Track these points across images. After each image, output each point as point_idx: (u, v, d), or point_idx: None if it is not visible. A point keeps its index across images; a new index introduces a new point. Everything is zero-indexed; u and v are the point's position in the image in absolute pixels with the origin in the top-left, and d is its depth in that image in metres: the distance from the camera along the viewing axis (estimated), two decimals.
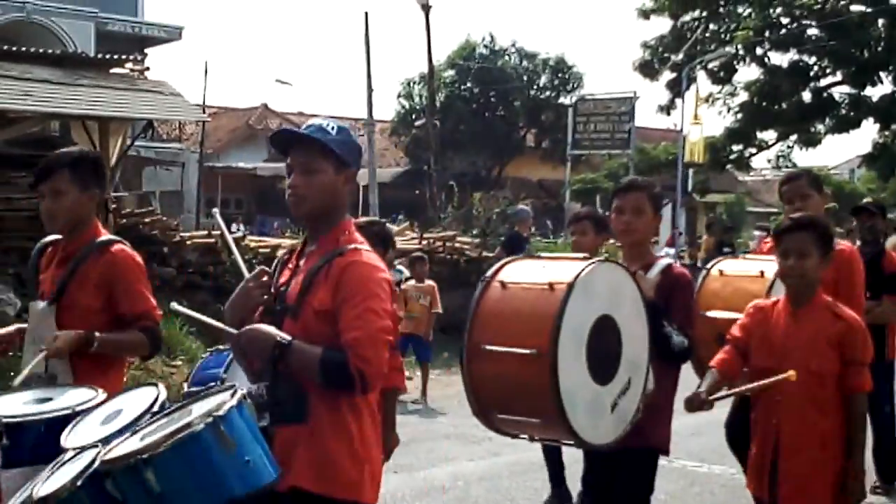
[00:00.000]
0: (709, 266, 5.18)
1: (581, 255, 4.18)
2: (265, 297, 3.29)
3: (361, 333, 3.07)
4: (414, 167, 37.30)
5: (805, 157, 68.65)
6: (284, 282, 3.34)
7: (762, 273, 4.78)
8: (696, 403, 4.00)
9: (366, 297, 3.12)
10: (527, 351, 3.70)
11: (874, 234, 6.84)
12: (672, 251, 24.57)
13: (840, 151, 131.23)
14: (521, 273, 4.05)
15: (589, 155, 33.47)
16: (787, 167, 36.31)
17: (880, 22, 28.51)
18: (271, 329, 3.12)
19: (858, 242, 6.92)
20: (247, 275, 3.33)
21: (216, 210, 3.53)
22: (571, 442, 3.89)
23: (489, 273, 4.12)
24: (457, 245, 15.22)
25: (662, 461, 7.55)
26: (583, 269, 3.83)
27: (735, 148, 31.66)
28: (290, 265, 3.41)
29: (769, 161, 34.50)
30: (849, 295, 4.80)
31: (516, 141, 40.97)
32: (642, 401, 4.05)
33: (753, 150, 32.45)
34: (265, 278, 3.31)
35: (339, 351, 3.07)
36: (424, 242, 14.89)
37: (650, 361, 4.08)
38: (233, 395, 2.83)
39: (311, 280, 3.20)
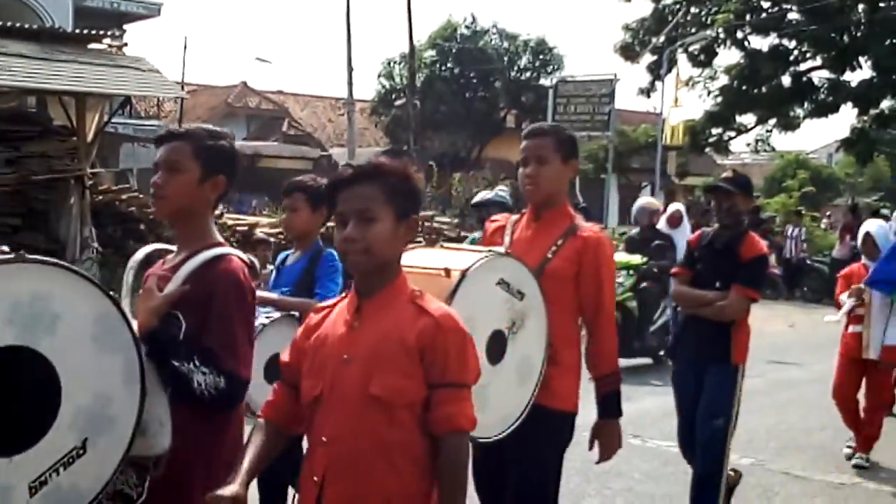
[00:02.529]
0: None
1: (7, 255, 2.58)
2: None
3: None
4: (394, 147, 37.19)
5: (784, 141, 68.94)
6: None
7: (447, 271, 3.32)
8: None
9: None
10: None
11: (734, 217, 5.59)
12: None
13: (818, 136, 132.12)
14: None
15: None
16: (765, 151, 36.56)
17: (860, 7, 28.61)
18: None
19: (716, 225, 5.74)
20: None
21: None
22: None
23: None
24: (435, 225, 15.22)
25: (636, 441, 7.60)
26: None
27: (714, 131, 31.78)
28: None
29: (748, 145, 34.68)
30: (594, 292, 3.86)
31: (496, 122, 40.91)
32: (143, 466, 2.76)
33: (733, 134, 32.58)
34: None
35: None
36: None
37: (160, 405, 2.76)
38: None
39: None
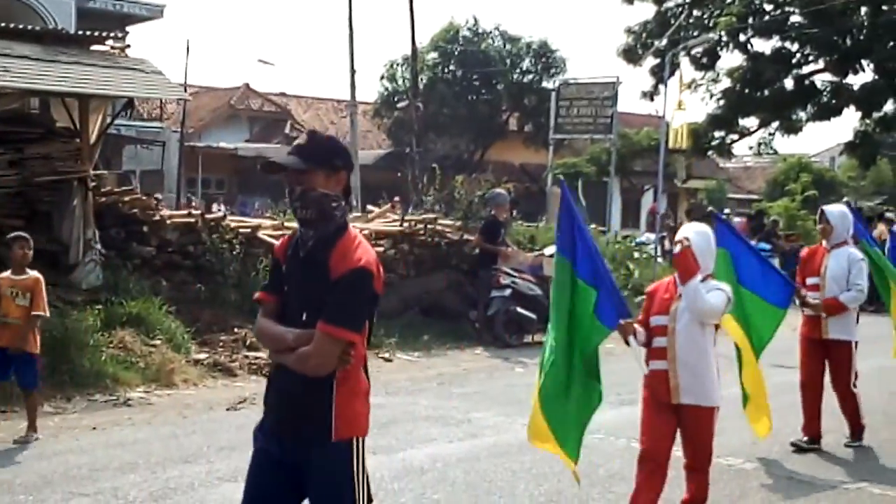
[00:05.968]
0: None
1: None
2: None
3: None
4: (396, 149, 37.18)
5: (786, 144, 69.04)
6: None
7: None
8: None
9: None
10: None
11: (316, 206, 3.49)
12: (653, 236, 24.64)
13: (821, 139, 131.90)
14: None
15: (571, 139, 33.44)
16: (768, 154, 36.56)
17: (863, 10, 28.65)
18: None
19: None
20: None
21: None
22: None
23: None
24: (438, 228, 15.15)
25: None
26: None
27: (717, 134, 31.82)
28: None
29: (751, 148, 34.71)
30: None
31: (499, 124, 40.92)
32: None
33: (735, 137, 32.61)
34: None
35: None
36: (405, 225, 14.86)
37: None
38: None
39: None
